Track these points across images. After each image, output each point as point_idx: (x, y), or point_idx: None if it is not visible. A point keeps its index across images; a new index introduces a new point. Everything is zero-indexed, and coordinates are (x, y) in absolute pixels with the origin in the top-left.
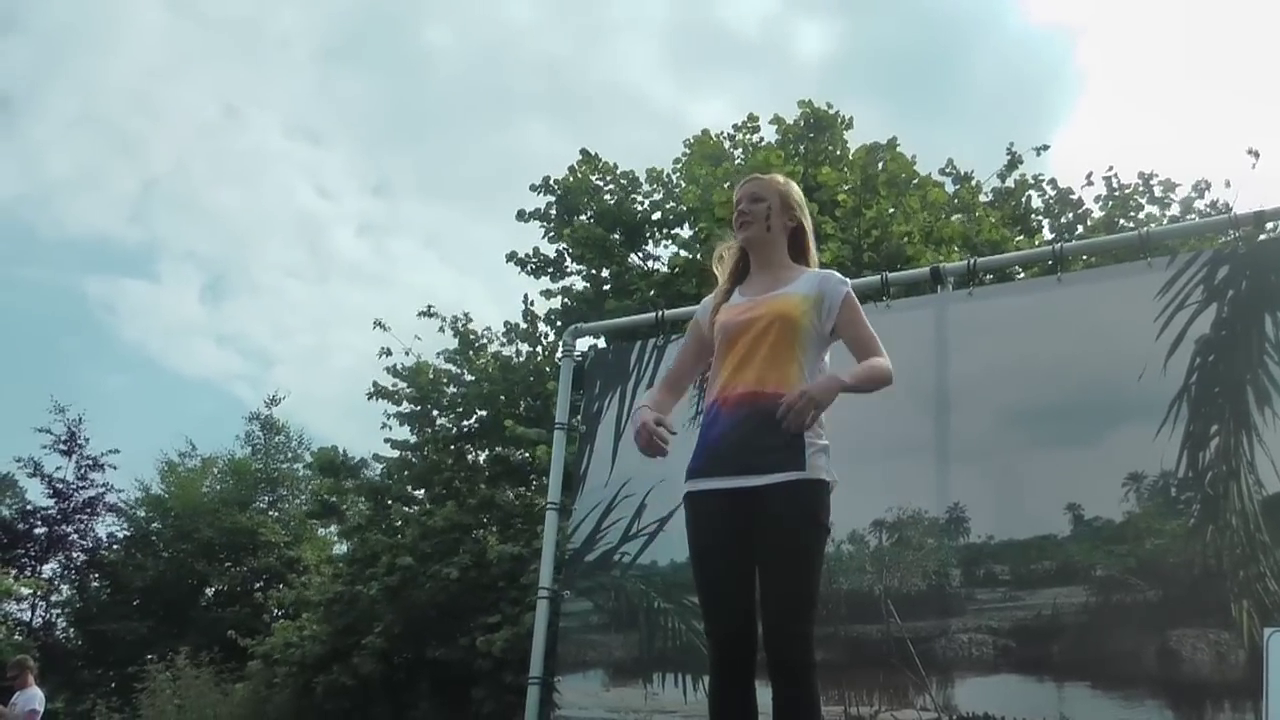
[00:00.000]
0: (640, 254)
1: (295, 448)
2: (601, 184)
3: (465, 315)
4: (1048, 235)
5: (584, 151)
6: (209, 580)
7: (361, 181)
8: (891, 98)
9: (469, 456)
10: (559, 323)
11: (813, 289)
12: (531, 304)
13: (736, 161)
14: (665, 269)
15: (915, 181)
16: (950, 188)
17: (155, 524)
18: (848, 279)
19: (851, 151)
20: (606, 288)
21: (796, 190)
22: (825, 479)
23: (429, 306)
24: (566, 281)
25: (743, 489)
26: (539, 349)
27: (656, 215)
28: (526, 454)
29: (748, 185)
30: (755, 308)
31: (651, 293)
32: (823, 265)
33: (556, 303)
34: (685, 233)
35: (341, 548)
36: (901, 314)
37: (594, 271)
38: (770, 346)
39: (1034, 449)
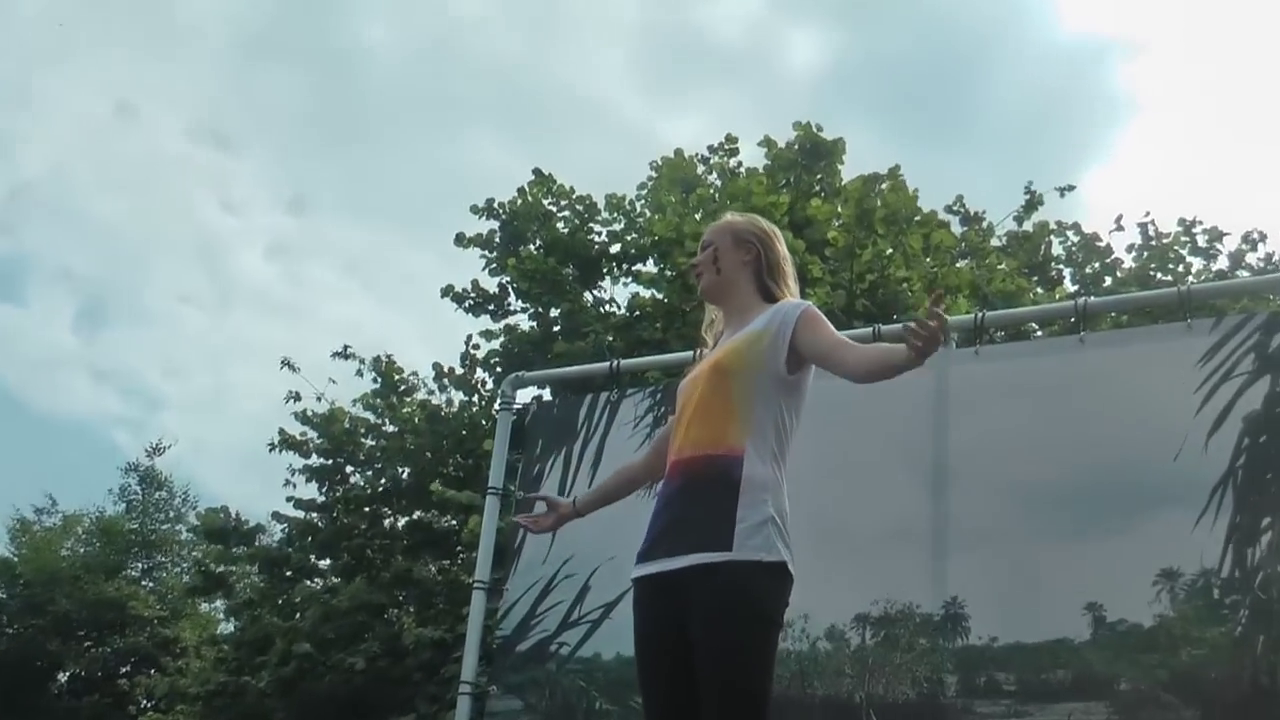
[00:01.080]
0: (596, 292)
1: (179, 506)
2: (555, 209)
3: (389, 356)
4: (1070, 287)
5: (537, 172)
6: (63, 663)
7: (275, 194)
8: (893, 120)
9: (386, 521)
10: (499, 368)
11: (764, 322)
12: (475, 346)
13: (712, 189)
14: (624, 311)
15: (918, 219)
16: (958, 228)
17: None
18: (808, 303)
19: (846, 181)
20: (556, 329)
21: (757, 222)
22: (764, 558)
23: (346, 345)
24: (510, 320)
25: (668, 574)
26: (474, 398)
27: (616, 248)
28: (453, 521)
29: (707, 232)
30: (703, 365)
31: (609, 338)
32: None
33: (497, 344)
34: (649, 269)
35: (227, 627)
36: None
37: (541, 310)
38: (703, 403)
39: (1048, 537)
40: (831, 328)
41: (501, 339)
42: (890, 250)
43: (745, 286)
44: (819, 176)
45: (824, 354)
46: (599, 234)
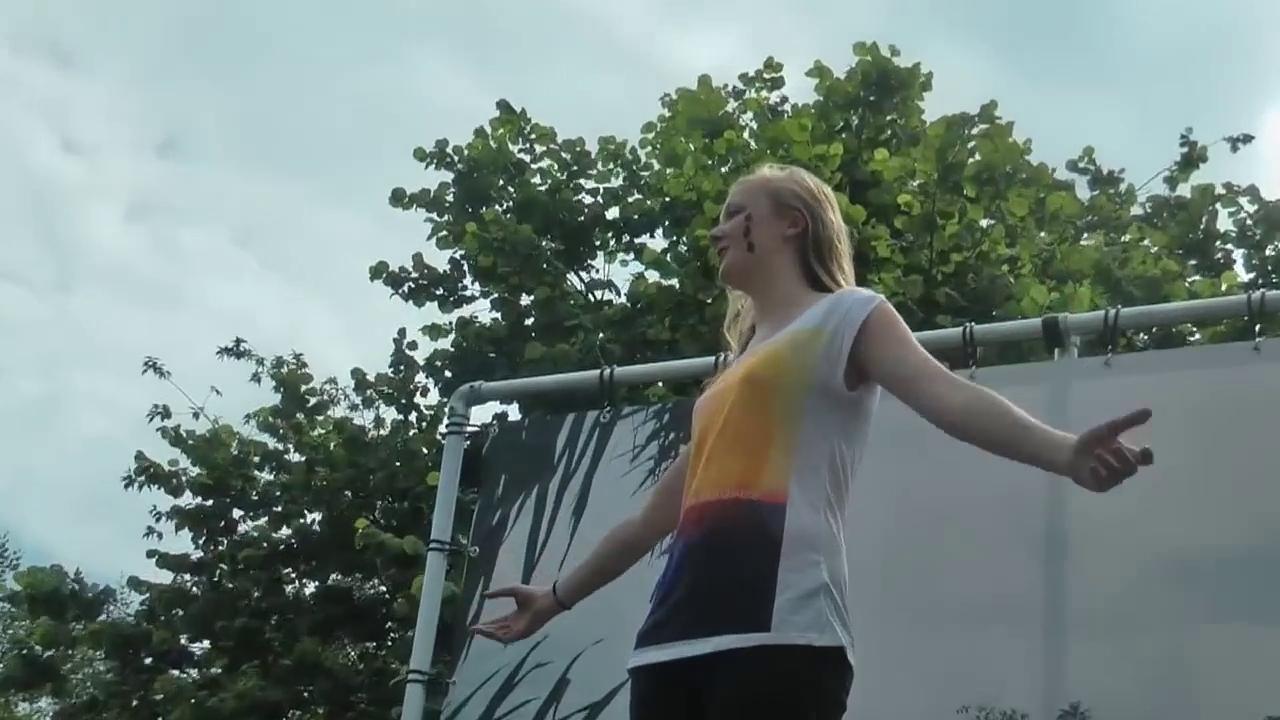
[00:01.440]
0: (585, 273)
1: None
2: (529, 158)
3: (296, 358)
4: (1242, 275)
5: (503, 106)
6: None
7: (138, 132)
8: (998, 46)
9: (288, 587)
10: (448, 376)
11: (816, 318)
12: (413, 346)
13: (745, 133)
14: (622, 300)
15: (1024, 177)
16: (1084, 192)
17: None
18: (879, 296)
19: (927, 126)
20: (528, 323)
21: (804, 181)
22: (815, 642)
23: (238, 341)
24: (465, 311)
25: (680, 663)
26: (413, 417)
27: (613, 213)
28: (383, 586)
29: (731, 191)
30: (730, 376)
31: (600, 335)
32: None
33: (447, 343)
34: (657, 242)
35: None
36: (997, 392)
37: (509, 297)
38: (732, 428)
39: (1207, 619)
40: (914, 340)
41: (453, 336)
42: (987, 221)
43: (787, 269)
44: (890, 119)
45: (902, 380)
46: (590, 193)
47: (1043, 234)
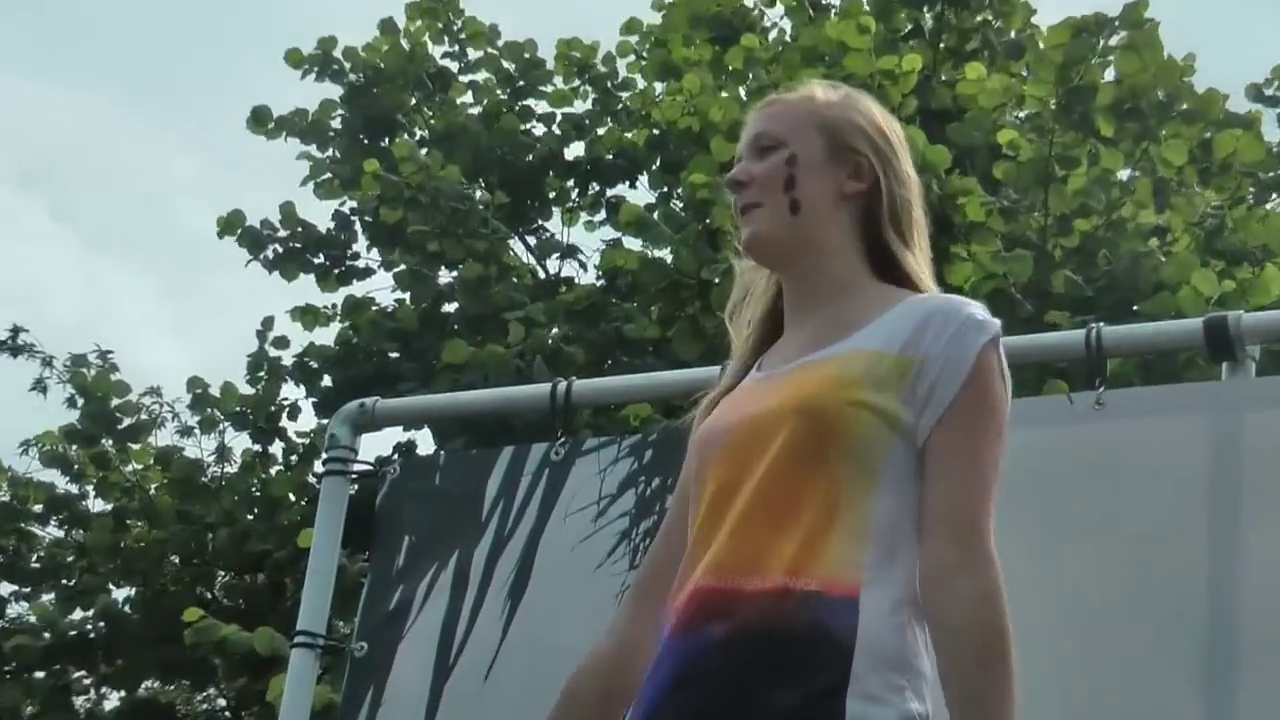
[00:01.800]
0: (534, 238)
1: None
2: (455, 66)
3: (103, 356)
4: None
5: None
6: None
7: None
8: None
9: (80, 698)
10: (329, 384)
11: (898, 339)
12: (273, 339)
13: (773, 33)
14: (590, 278)
15: (1183, 109)
16: (1273, 132)
17: None
18: (995, 324)
19: (1042, 32)
20: (450, 309)
21: (871, 111)
22: None
23: (15, 330)
24: (357, 288)
25: None
26: (275, 446)
27: (577, 149)
28: (223, 701)
29: (755, 120)
30: (760, 397)
31: (554, 330)
32: (951, 292)
33: (329, 337)
34: (641, 195)
35: None
36: (1133, 426)
37: (423, 271)
38: (777, 482)
39: None
40: (992, 435)
41: (338, 327)
42: (1127, 172)
43: (844, 243)
44: (982, 20)
45: (921, 513)
46: (543, 121)
47: (1209, 192)
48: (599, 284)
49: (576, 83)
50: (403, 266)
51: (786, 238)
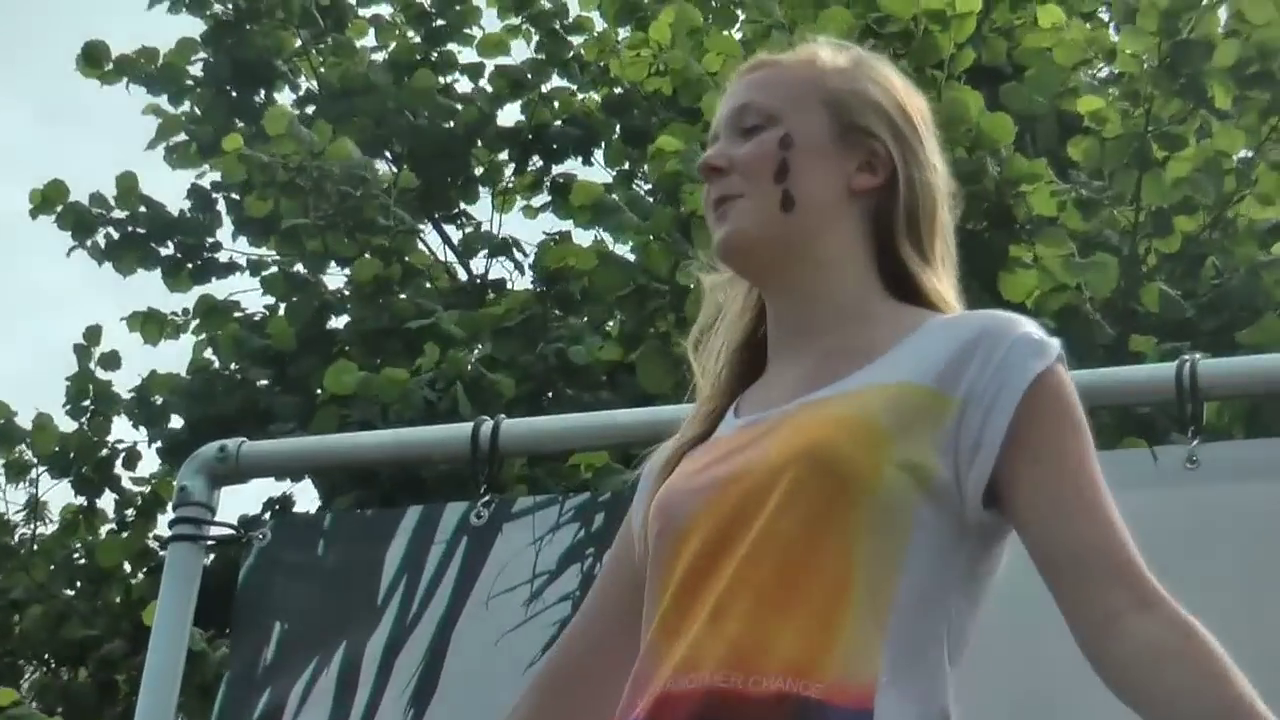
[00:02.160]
0: (455, 227)
1: None
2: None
3: None
4: None
5: None
6: None
7: None
8: None
9: None
10: (176, 421)
11: (930, 368)
12: (102, 356)
13: None
14: (525, 281)
15: None
16: None
17: None
18: (1054, 344)
19: None
20: (339, 323)
21: (891, 83)
22: None
23: None
24: (216, 288)
25: None
26: (107, 502)
27: (512, 113)
28: None
29: (738, 88)
30: (746, 449)
31: (475, 349)
32: (1010, 308)
33: (180, 357)
34: (596, 173)
35: None
36: (1236, 491)
37: (302, 274)
38: (772, 553)
39: None
40: (1093, 456)
41: (191, 341)
42: (1245, 154)
43: (851, 251)
44: None
45: (1050, 560)
46: (467, 72)
47: None
48: (538, 290)
49: (516, 21)
50: (277, 266)
51: (775, 241)
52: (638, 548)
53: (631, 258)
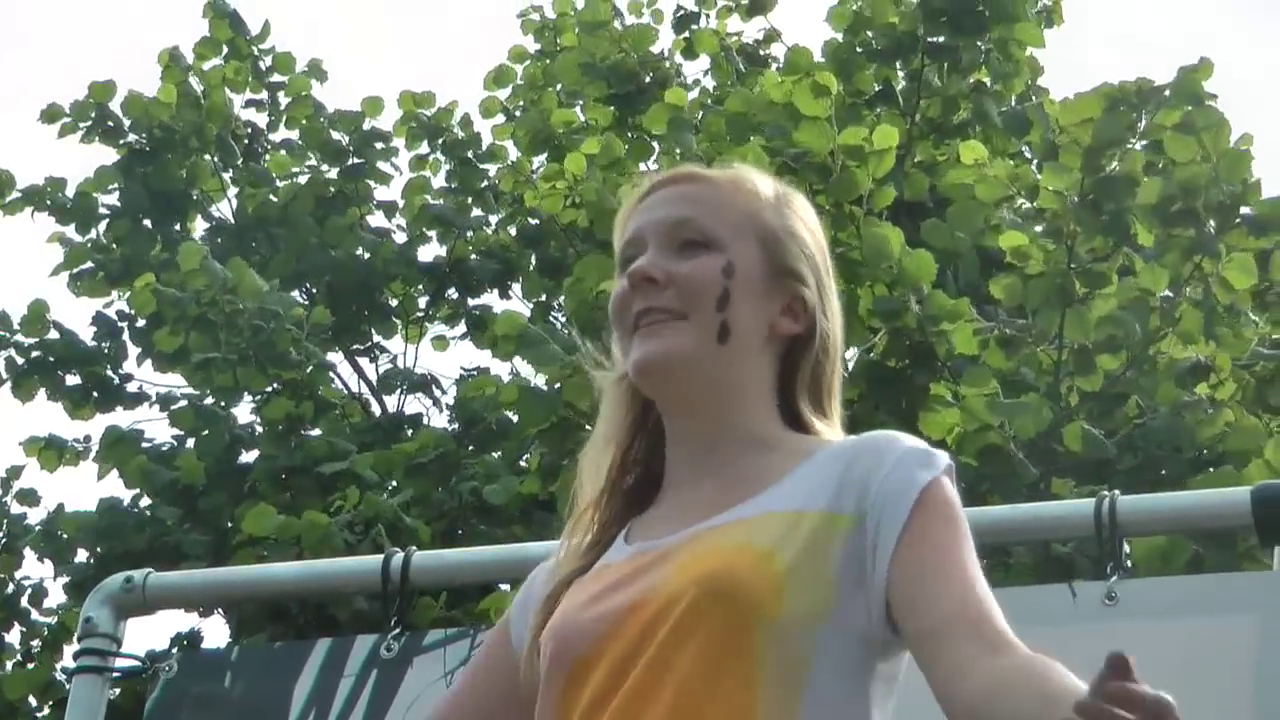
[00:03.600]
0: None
1: None
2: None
3: None
4: None
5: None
6: None
7: None
8: None
9: None
10: (83, 556)
11: (823, 491)
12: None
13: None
14: (443, 420)
15: (1248, 215)
16: None
17: None
18: (942, 456)
19: (1052, 102)
20: (250, 458)
21: (813, 224)
22: None
23: None
24: (125, 418)
25: None
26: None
27: (429, 252)
28: None
29: (671, 197)
30: (642, 576)
31: (390, 488)
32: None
33: (84, 492)
34: (516, 306)
35: None
36: (1156, 629)
37: (214, 408)
38: (668, 684)
39: None
40: (969, 551)
41: (96, 469)
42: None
43: (759, 390)
44: (971, 81)
45: (921, 633)
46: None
47: (1260, 326)
48: (454, 428)
49: (429, 150)
50: (184, 401)
51: (704, 369)
52: (524, 670)
53: (555, 388)
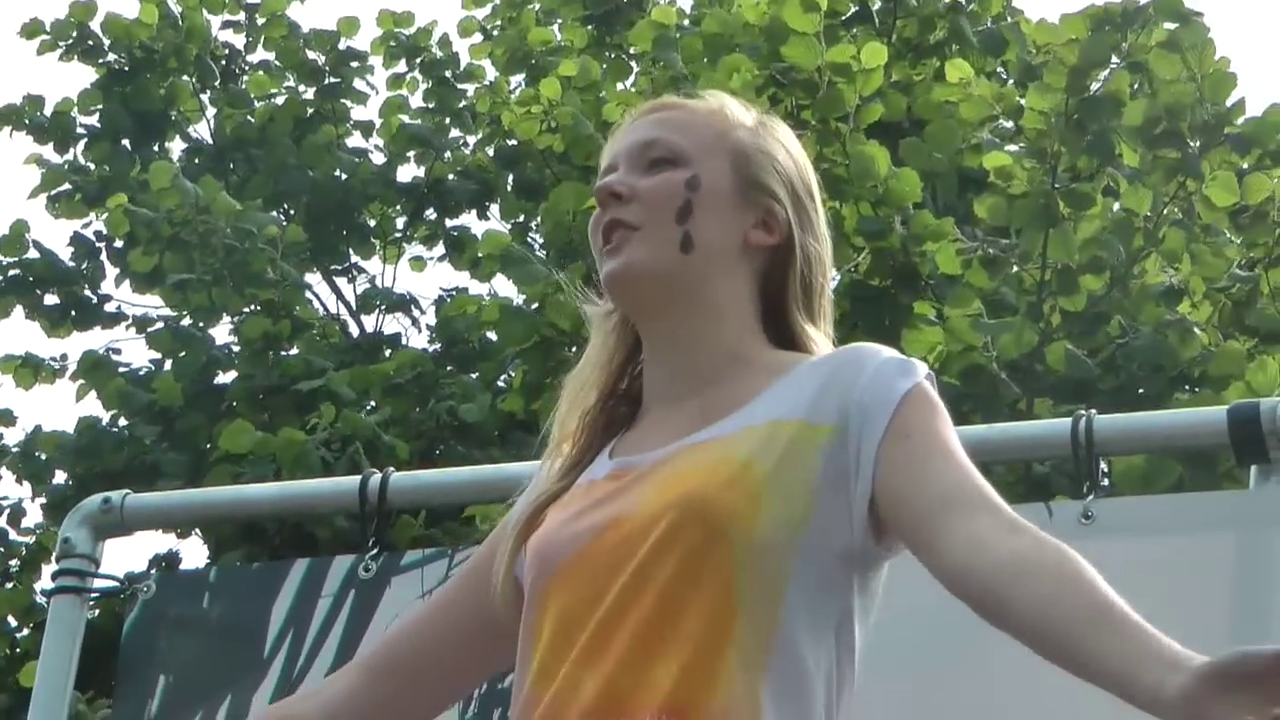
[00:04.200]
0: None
1: None
2: (240, 40)
3: None
4: None
5: None
6: None
7: None
8: None
9: None
10: (61, 476)
11: (803, 401)
12: None
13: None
14: (422, 339)
15: (1235, 134)
16: None
17: None
18: (920, 365)
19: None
20: (226, 379)
21: (793, 146)
22: None
23: None
24: (100, 339)
25: None
26: None
27: (407, 172)
28: None
29: (645, 123)
30: (621, 494)
31: (367, 407)
32: None
33: (63, 412)
34: (495, 225)
35: None
36: (1132, 546)
37: (190, 329)
38: (648, 598)
39: None
40: (959, 448)
41: (74, 389)
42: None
43: (736, 304)
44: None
45: (917, 513)
46: (360, 128)
47: (1234, 247)
48: (436, 347)
49: (405, 68)
50: (164, 319)
51: (669, 280)
52: (498, 592)
53: (536, 306)
